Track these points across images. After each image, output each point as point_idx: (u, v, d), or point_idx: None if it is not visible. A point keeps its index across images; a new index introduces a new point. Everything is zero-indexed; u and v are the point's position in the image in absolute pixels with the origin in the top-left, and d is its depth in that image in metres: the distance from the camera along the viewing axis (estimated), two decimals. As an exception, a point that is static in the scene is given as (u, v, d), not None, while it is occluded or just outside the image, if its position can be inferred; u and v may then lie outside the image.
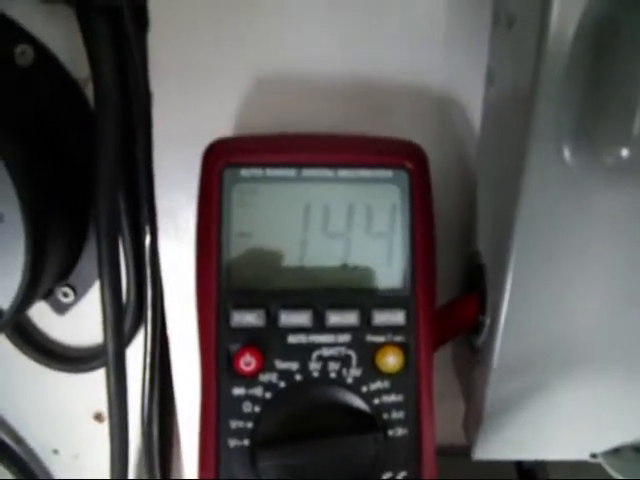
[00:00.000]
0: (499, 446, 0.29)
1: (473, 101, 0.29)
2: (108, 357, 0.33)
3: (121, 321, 0.33)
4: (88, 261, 0.36)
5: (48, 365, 0.38)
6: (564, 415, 0.28)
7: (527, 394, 0.27)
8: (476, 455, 0.29)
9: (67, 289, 0.37)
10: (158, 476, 0.39)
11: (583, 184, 0.22)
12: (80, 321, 0.38)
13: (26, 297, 0.30)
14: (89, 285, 0.37)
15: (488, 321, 0.27)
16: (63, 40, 0.32)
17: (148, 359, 0.36)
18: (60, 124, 0.32)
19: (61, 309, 0.38)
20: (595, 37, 0.21)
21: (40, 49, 0.31)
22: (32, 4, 0.30)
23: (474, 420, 0.28)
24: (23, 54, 0.31)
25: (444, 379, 0.29)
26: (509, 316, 0.25)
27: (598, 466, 0.30)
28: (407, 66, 0.29)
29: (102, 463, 0.38)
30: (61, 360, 0.39)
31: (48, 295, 0.37)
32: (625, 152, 0.20)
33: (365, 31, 0.28)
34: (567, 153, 0.22)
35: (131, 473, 0.39)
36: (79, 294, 0.37)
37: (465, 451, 0.30)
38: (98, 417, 0.41)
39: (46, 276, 0.32)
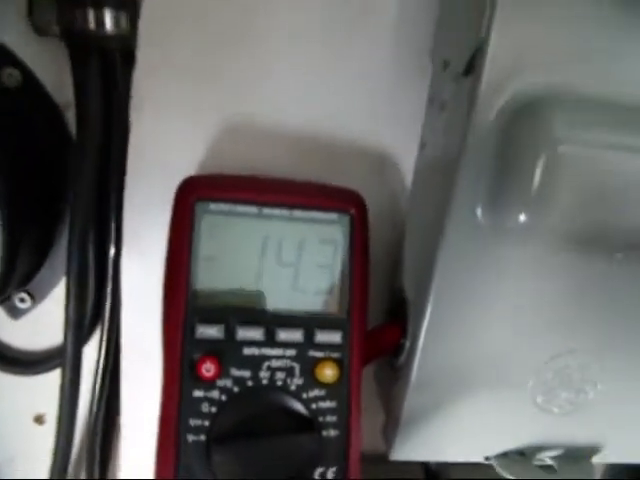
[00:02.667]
0: (412, 449, 0.34)
1: (407, 162, 0.35)
2: (66, 359, 0.36)
3: (82, 324, 0.36)
4: (49, 270, 0.39)
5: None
6: (465, 425, 0.34)
7: (437, 406, 0.33)
8: (393, 456, 0.34)
9: (25, 295, 0.39)
10: (97, 476, 0.42)
11: (491, 241, 0.28)
12: (33, 326, 0.40)
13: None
14: (47, 292, 0.39)
15: (408, 344, 0.32)
16: (49, 67, 0.35)
17: (101, 363, 0.39)
18: (39, 143, 0.35)
19: (16, 314, 0.40)
20: (505, 125, 0.27)
21: (27, 73, 0.34)
22: (26, 33, 0.33)
23: (392, 427, 0.34)
24: (10, 76, 0.34)
25: (366, 395, 0.34)
26: (426, 342, 0.31)
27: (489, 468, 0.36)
28: (358, 129, 0.34)
29: (38, 466, 0.40)
30: (11, 363, 0.41)
31: (4, 300, 0.39)
32: (522, 218, 0.26)
33: (326, 96, 0.33)
34: (480, 214, 0.28)
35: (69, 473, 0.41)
36: (36, 301, 0.40)
37: (382, 457, 0.35)
38: (38, 419, 0.43)
39: (11, 280, 0.35)
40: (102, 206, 0.36)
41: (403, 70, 0.33)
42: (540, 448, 0.36)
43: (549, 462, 0.36)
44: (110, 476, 0.43)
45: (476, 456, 0.35)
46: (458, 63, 0.27)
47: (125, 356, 0.38)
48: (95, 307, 0.38)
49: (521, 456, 0.36)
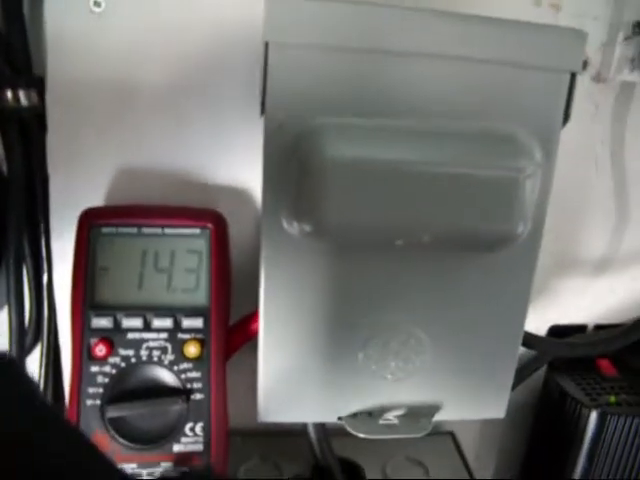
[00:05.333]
0: (274, 412, 0.43)
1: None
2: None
3: (24, 336, 0.47)
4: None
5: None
6: (317, 389, 0.42)
7: (289, 374, 0.42)
8: (260, 419, 0.43)
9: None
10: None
11: (298, 245, 0.37)
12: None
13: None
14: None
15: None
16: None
17: (44, 365, 0.49)
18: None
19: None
20: (292, 151, 0.36)
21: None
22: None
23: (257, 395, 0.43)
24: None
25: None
26: (265, 322, 0.40)
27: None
28: (220, 164, 0.45)
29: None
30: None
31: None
32: (308, 228, 0.36)
33: (193, 147, 0.44)
34: (285, 223, 0.38)
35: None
36: (-9, 314, 0.50)
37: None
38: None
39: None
40: (34, 237, 0.46)
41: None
42: (385, 409, 0.45)
43: (394, 421, 0.45)
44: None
45: (330, 417, 0.44)
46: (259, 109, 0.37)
47: (65, 354, 0.48)
48: (36, 322, 0.48)
49: (369, 416, 0.45)
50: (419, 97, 0.36)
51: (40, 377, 0.49)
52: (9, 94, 0.41)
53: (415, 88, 0.36)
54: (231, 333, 0.43)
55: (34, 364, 0.49)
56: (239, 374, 0.44)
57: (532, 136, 0.38)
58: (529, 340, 0.49)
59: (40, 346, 0.49)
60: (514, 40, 0.36)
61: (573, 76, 0.37)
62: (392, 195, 0.36)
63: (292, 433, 0.51)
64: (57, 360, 0.49)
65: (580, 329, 0.60)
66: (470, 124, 0.37)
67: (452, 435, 0.62)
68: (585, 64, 0.50)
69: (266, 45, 0.34)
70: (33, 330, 0.49)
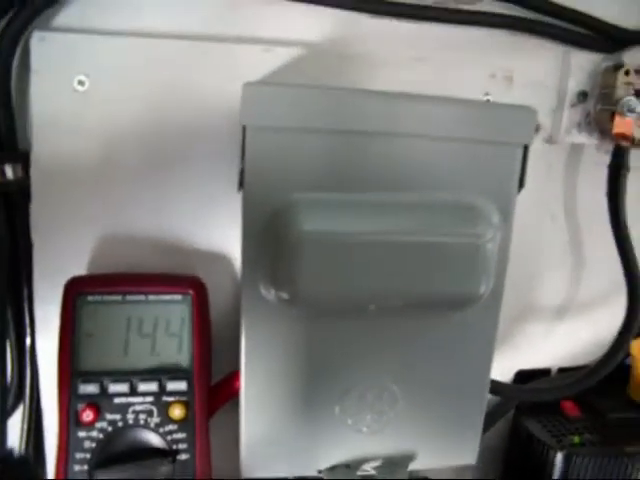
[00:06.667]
0: (255, 468, 0.45)
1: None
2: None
3: (5, 399, 0.48)
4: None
5: None
6: (296, 445, 0.45)
7: (269, 433, 0.44)
8: (243, 475, 0.45)
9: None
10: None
11: (272, 309, 0.40)
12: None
13: None
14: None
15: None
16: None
17: (25, 428, 0.50)
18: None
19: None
20: (269, 223, 0.39)
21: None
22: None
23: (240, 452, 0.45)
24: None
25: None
26: (246, 378, 0.42)
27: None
28: (201, 233, 0.48)
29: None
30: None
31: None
32: (285, 295, 0.39)
33: (174, 213, 0.47)
34: (263, 290, 0.40)
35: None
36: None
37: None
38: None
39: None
40: (17, 302, 0.48)
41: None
42: (362, 461, 0.47)
43: (372, 472, 0.47)
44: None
45: (310, 470, 0.46)
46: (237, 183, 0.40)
47: (47, 419, 0.49)
48: (18, 386, 0.49)
49: (347, 468, 0.47)
50: (387, 172, 0.39)
51: (22, 440, 0.50)
52: (-5, 170, 0.43)
53: (383, 164, 0.39)
54: (213, 393, 0.45)
55: (15, 427, 0.50)
56: (220, 430, 0.46)
57: (490, 203, 0.41)
58: (496, 387, 0.52)
59: (22, 408, 0.50)
60: (471, 118, 0.39)
61: (526, 148, 0.41)
62: (364, 264, 0.38)
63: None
64: (39, 423, 0.50)
65: (544, 373, 0.63)
66: (434, 195, 0.40)
67: (426, 480, 0.64)
68: (538, 127, 0.54)
69: (243, 129, 0.37)
70: (15, 392, 0.50)
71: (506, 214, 0.42)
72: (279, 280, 0.39)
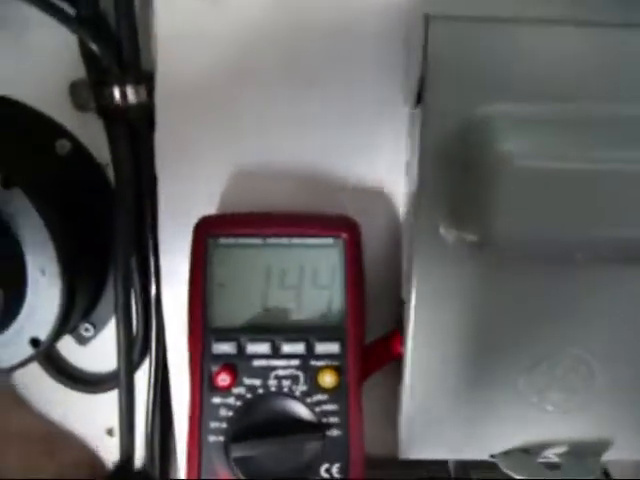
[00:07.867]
0: (417, 448, 0.37)
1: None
2: (120, 380, 0.42)
3: (131, 351, 0.43)
4: (106, 304, 0.45)
5: (70, 387, 0.47)
6: (466, 423, 0.37)
7: (434, 407, 0.36)
8: (401, 455, 0.38)
9: (88, 325, 0.46)
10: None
11: (454, 253, 0.32)
12: (97, 351, 0.47)
13: (58, 331, 0.39)
14: (105, 323, 0.46)
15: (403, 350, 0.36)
16: (91, 135, 0.42)
17: (152, 381, 0.45)
18: (88, 199, 0.42)
19: (83, 341, 0.47)
20: (456, 148, 0.30)
21: (74, 142, 0.42)
22: (70, 110, 0.41)
23: (397, 428, 0.38)
24: (62, 147, 0.41)
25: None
26: (413, 347, 0.34)
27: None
28: (350, 163, 0.39)
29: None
30: (81, 383, 0.48)
31: (73, 330, 0.46)
32: (472, 237, 0.30)
33: (321, 137, 0.39)
34: (442, 230, 0.31)
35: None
36: (97, 329, 0.46)
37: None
38: (109, 432, 0.50)
39: (74, 315, 0.42)
40: (142, 249, 0.42)
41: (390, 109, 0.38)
42: (544, 445, 0.38)
43: (555, 459, 0.39)
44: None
45: (481, 454, 0.38)
46: (412, 98, 0.31)
47: (173, 374, 0.44)
48: (144, 335, 0.44)
49: (525, 454, 0.38)
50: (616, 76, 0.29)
51: (148, 396, 0.45)
52: (117, 92, 0.37)
53: (609, 63, 0.29)
54: (365, 357, 0.37)
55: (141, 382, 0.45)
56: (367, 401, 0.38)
57: None
58: None
59: (148, 362, 0.45)
60: None
61: None
62: (580, 199, 0.29)
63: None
64: (165, 380, 0.45)
65: None
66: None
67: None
68: None
69: (426, 19, 0.28)
70: (140, 345, 0.45)
71: None
72: (465, 218, 0.30)
